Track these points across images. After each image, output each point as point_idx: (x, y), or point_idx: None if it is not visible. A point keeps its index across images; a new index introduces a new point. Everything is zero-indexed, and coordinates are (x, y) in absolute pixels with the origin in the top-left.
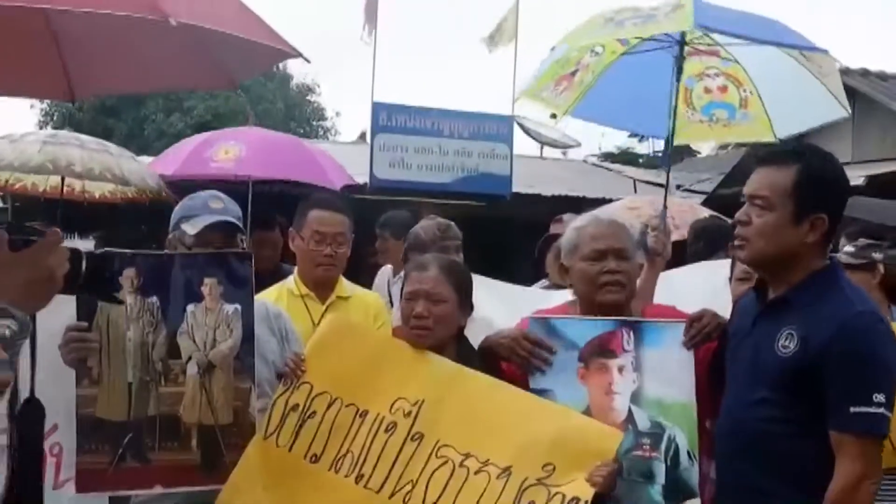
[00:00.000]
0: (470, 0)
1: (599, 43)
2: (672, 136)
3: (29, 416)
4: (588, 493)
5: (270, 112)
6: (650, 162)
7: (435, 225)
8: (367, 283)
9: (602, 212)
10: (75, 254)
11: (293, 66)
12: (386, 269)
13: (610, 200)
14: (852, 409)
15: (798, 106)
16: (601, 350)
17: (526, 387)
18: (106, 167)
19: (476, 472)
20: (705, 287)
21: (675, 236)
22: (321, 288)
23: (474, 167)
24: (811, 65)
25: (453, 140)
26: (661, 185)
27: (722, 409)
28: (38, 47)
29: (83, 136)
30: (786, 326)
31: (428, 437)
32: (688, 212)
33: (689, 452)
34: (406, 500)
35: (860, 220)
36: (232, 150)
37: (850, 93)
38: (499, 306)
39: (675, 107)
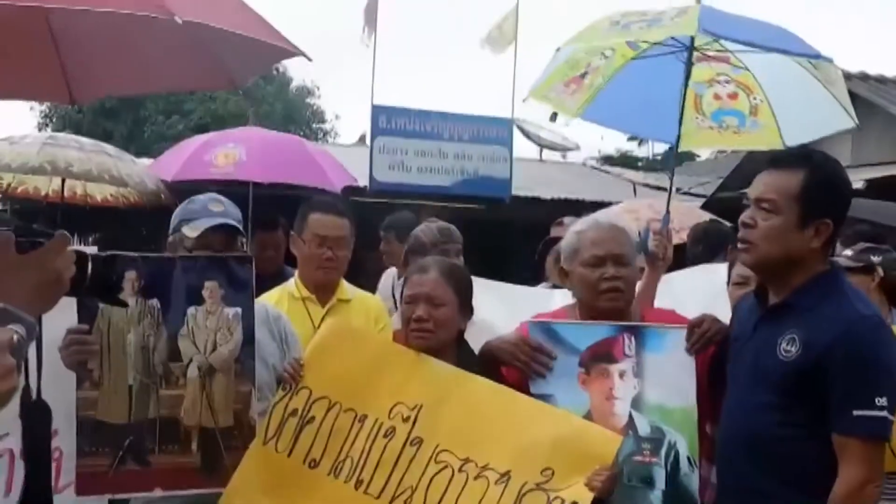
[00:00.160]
0: (470, 2)
1: (609, 46)
2: (678, 141)
3: (35, 419)
4: (587, 497)
5: (270, 115)
6: (649, 165)
7: (435, 228)
8: (368, 285)
9: (602, 215)
10: (81, 257)
11: (293, 69)
12: (391, 272)
13: (609, 203)
14: (855, 413)
15: (807, 115)
16: (602, 355)
17: (527, 392)
18: (104, 168)
19: (475, 477)
20: (705, 290)
21: (674, 240)
22: (322, 291)
23: (474, 170)
24: (819, 73)
25: (453, 143)
26: (660, 189)
27: (723, 412)
28: (37, 50)
29: (82, 139)
30: (788, 330)
31: (427, 441)
32: (688, 215)
33: (689, 458)
34: None
35: (857, 224)
36: (231, 155)
37: (850, 96)
38: (499, 308)
39: (682, 112)
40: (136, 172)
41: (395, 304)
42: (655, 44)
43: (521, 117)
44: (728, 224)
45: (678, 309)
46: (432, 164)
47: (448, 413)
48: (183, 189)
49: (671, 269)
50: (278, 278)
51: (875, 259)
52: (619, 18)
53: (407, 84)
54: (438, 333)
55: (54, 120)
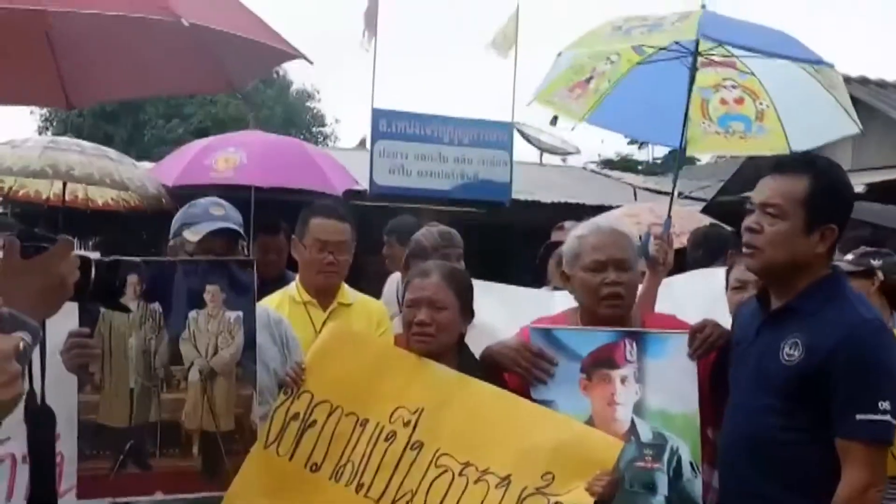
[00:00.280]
0: (470, 6)
1: (615, 51)
2: (682, 146)
3: (40, 423)
4: (588, 502)
5: (270, 118)
6: (649, 169)
7: (436, 232)
8: (369, 289)
9: (603, 220)
10: (85, 262)
11: (293, 72)
12: (395, 277)
13: (609, 207)
14: (858, 417)
15: (812, 120)
16: (604, 361)
17: (528, 397)
18: (105, 172)
19: (475, 481)
20: (704, 294)
21: (675, 244)
22: (323, 295)
23: (474, 174)
24: (822, 78)
25: (453, 147)
26: (660, 193)
27: (725, 416)
28: (33, 54)
29: (83, 142)
30: (790, 334)
31: (427, 445)
32: (688, 219)
33: (692, 464)
34: None
35: (857, 229)
36: (232, 159)
37: (850, 100)
38: (500, 311)
39: (687, 117)
40: (137, 176)
41: (400, 308)
42: (661, 49)
43: (522, 121)
44: (729, 228)
45: (678, 313)
46: (432, 168)
47: (449, 417)
48: (183, 194)
49: (671, 273)
50: (280, 283)
51: (875, 263)
52: (621, 24)
53: (407, 87)
54: (440, 337)
55: (55, 124)
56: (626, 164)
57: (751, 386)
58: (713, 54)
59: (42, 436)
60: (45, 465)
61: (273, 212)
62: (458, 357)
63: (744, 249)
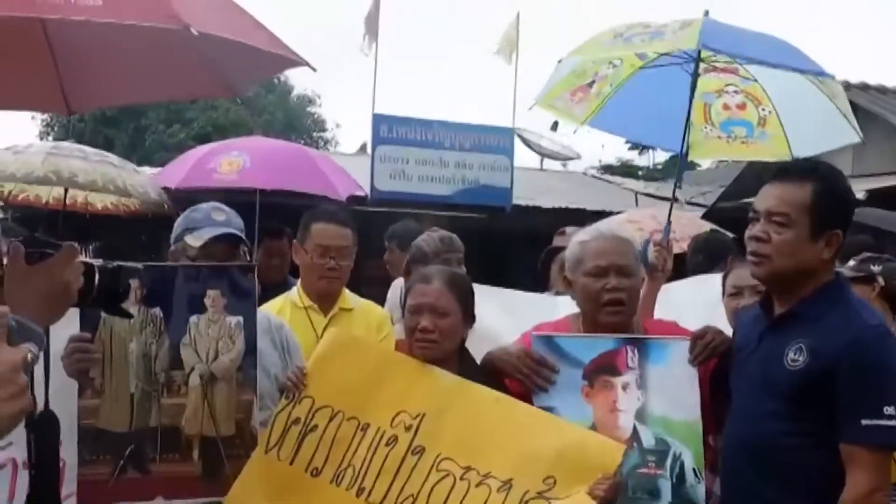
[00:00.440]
0: (471, 12)
1: (617, 56)
2: (683, 152)
3: (44, 429)
4: None
5: (271, 123)
6: (650, 174)
7: (437, 237)
8: (368, 293)
9: (605, 226)
10: (89, 268)
11: (294, 78)
12: (398, 283)
13: (610, 213)
14: (864, 422)
15: (814, 127)
16: (605, 368)
17: (530, 404)
18: (109, 179)
19: (477, 486)
20: (703, 300)
21: (675, 249)
22: (324, 300)
23: (475, 179)
24: (825, 87)
25: (454, 152)
26: (661, 198)
27: (728, 422)
28: (34, 60)
29: (86, 148)
30: (795, 340)
31: (429, 450)
32: (689, 225)
33: (694, 470)
34: None
35: (858, 234)
36: (235, 162)
37: (851, 107)
38: (501, 316)
39: (688, 123)
40: (139, 183)
41: (404, 314)
42: (663, 54)
43: (522, 126)
44: (729, 234)
45: (676, 320)
46: (433, 173)
47: (450, 422)
48: (187, 198)
49: (672, 278)
50: (283, 288)
51: (875, 268)
52: (623, 30)
53: (408, 93)
54: (443, 344)
55: (55, 129)
56: (626, 170)
57: (754, 391)
58: (716, 60)
59: (46, 442)
60: (49, 470)
61: (278, 216)
62: (459, 362)
63: (749, 258)
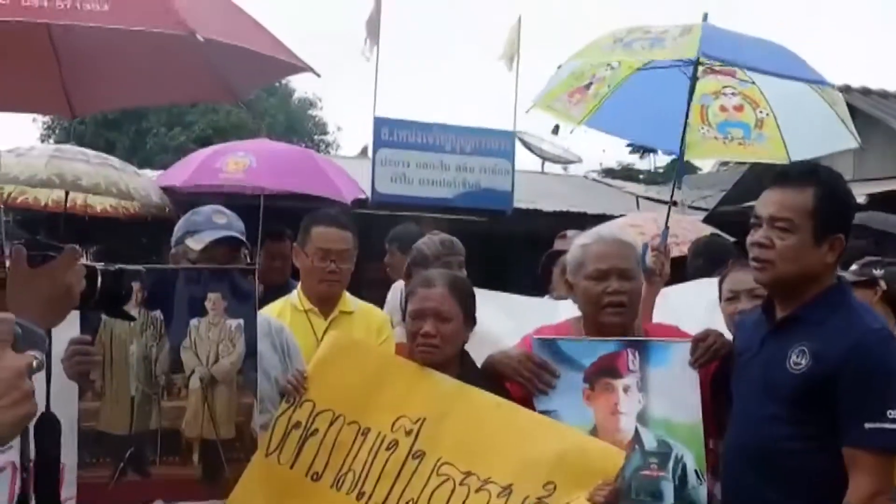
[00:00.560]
0: (472, 16)
1: (616, 59)
2: (682, 155)
3: (45, 431)
4: None
5: (272, 126)
6: (651, 178)
7: (438, 241)
8: (368, 296)
9: (607, 229)
10: (91, 271)
11: (295, 81)
12: (398, 285)
13: (611, 216)
14: (867, 425)
15: (812, 131)
16: (606, 370)
17: (531, 407)
18: (112, 182)
19: (477, 491)
20: (702, 304)
21: (675, 252)
22: (324, 303)
23: (476, 182)
24: (823, 93)
25: (455, 155)
26: (661, 202)
27: (730, 426)
28: (38, 63)
29: (88, 151)
30: (797, 343)
31: (429, 455)
32: (689, 229)
33: (696, 472)
34: None
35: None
36: (241, 162)
37: (852, 111)
38: (502, 320)
39: (686, 126)
40: (142, 186)
41: (404, 317)
42: None
43: (523, 129)
44: (729, 238)
45: (676, 323)
46: (434, 177)
47: (450, 426)
48: (188, 201)
49: (672, 281)
50: (284, 291)
51: (877, 273)
52: (623, 35)
53: (409, 96)
54: (445, 349)
55: (57, 131)
56: (627, 173)
57: (756, 395)
58: (714, 64)
59: (48, 444)
60: (50, 473)
61: (282, 219)
62: (460, 366)
63: (753, 264)
